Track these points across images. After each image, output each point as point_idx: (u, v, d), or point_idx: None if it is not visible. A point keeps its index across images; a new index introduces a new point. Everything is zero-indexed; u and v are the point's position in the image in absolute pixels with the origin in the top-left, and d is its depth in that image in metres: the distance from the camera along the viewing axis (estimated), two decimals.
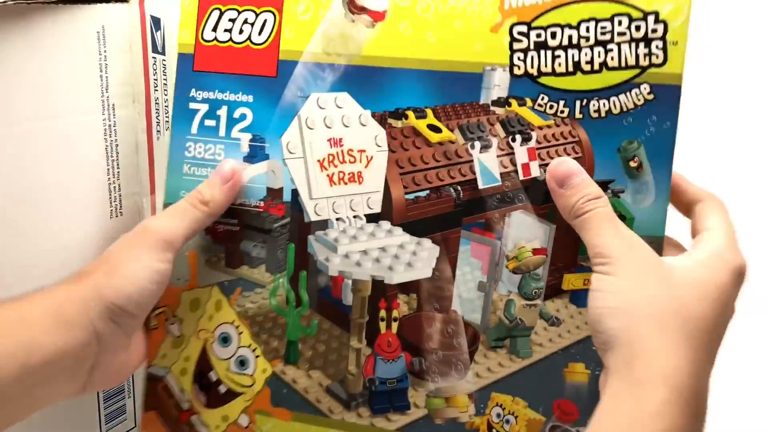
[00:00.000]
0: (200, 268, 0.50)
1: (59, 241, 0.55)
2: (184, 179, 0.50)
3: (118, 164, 0.57)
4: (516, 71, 0.44)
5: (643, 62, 0.42)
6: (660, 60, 0.42)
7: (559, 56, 0.43)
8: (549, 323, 0.45)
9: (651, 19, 0.42)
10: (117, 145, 0.57)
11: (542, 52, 0.44)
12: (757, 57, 0.52)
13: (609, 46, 0.43)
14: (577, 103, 0.43)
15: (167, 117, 0.60)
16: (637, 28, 0.42)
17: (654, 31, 0.42)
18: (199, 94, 0.50)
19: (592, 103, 0.43)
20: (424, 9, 0.45)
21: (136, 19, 0.57)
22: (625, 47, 0.43)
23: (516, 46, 0.44)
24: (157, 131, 0.60)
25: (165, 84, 0.60)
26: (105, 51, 0.55)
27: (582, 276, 0.44)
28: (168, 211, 0.48)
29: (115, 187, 0.58)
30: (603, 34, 0.43)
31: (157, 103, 0.60)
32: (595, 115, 0.43)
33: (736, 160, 0.54)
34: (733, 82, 0.51)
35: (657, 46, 0.42)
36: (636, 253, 0.40)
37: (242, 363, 0.49)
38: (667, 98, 0.42)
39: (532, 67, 0.44)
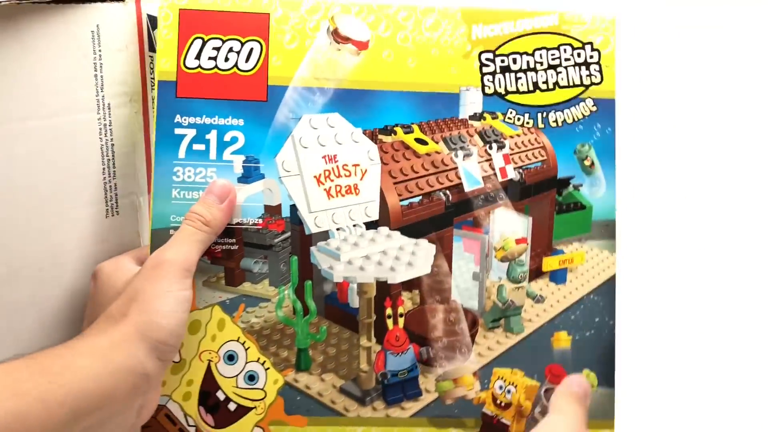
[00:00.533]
0: (198, 289, 0.50)
1: (52, 239, 0.54)
2: (173, 204, 0.50)
3: (114, 163, 0.56)
4: (487, 90, 0.52)
5: (586, 81, 0.53)
6: (598, 80, 0.53)
7: (520, 78, 0.52)
8: (535, 301, 0.52)
9: (588, 48, 0.53)
10: (113, 145, 0.56)
11: (507, 75, 0.52)
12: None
13: (559, 69, 0.53)
14: (539, 115, 0.52)
15: None
16: (579, 55, 0.53)
17: (591, 57, 0.53)
18: (185, 119, 0.51)
19: (550, 114, 0.52)
20: (403, 39, 0.52)
21: (132, 19, 0.56)
22: (571, 70, 0.53)
23: (485, 69, 0.52)
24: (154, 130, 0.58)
25: None
26: (100, 50, 0.55)
27: (557, 258, 0.53)
28: (175, 239, 0.49)
29: (111, 186, 0.56)
30: (553, 59, 0.52)
31: (154, 103, 0.56)
32: (554, 124, 0.52)
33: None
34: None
35: (594, 69, 0.53)
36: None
37: (251, 378, 0.50)
38: (606, 109, 0.53)
39: (500, 86, 0.52)
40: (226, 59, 0.52)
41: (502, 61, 0.52)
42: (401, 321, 0.51)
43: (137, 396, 0.46)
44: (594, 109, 0.53)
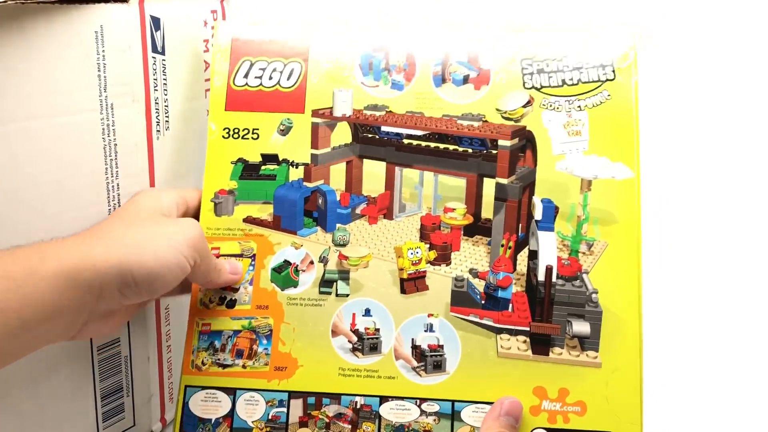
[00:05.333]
0: None
1: (54, 237, 0.53)
2: None
3: (117, 164, 0.58)
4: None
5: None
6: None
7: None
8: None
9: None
10: (116, 145, 0.57)
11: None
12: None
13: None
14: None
15: (167, 117, 0.65)
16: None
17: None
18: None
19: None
20: None
21: (135, 20, 0.57)
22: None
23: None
24: (157, 131, 0.63)
25: (165, 84, 0.63)
26: (103, 51, 0.55)
27: None
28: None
29: (113, 186, 0.58)
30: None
31: (157, 103, 0.62)
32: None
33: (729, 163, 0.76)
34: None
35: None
36: None
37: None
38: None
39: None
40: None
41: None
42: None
43: (83, 312, 0.49)
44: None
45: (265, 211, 0.68)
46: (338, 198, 0.68)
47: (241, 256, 0.67)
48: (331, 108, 0.70)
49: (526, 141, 0.69)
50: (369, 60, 0.71)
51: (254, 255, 0.67)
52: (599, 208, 0.67)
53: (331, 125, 0.70)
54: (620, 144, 0.68)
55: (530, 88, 0.70)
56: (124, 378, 0.68)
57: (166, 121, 0.63)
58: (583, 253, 0.66)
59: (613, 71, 0.70)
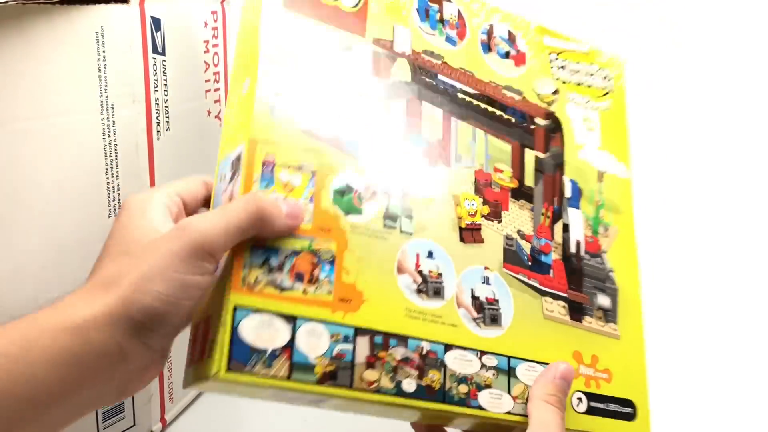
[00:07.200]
0: None
1: (54, 239, 0.53)
2: None
3: (117, 164, 0.57)
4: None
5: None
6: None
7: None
8: None
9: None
10: (116, 145, 0.57)
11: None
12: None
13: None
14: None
15: (167, 117, 0.63)
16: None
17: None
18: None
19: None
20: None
21: (136, 20, 0.57)
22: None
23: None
24: (158, 131, 0.62)
25: (165, 84, 0.62)
26: (104, 51, 0.54)
27: None
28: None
29: (113, 186, 0.57)
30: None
31: (158, 104, 0.61)
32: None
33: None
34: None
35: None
36: None
37: None
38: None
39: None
40: None
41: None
42: None
43: (112, 378, 0.43)
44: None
45: None
46: None
47: (300, 168, 0.57)
48: (392, 41, 0.66)
49: (557, 124, 0.73)
50: (425, 7, 0.69)
51: (314, 171, 0.57)
52: (610, 198, 0.73)
53: (392, 58, 0.65)
54: (621, 148, 0.76)
55: (557, 80, 0.75)
56: None
57: (167, 121, 0.62)
58: (602, 234, 0.71)
59: (613, 87, 0.79)
